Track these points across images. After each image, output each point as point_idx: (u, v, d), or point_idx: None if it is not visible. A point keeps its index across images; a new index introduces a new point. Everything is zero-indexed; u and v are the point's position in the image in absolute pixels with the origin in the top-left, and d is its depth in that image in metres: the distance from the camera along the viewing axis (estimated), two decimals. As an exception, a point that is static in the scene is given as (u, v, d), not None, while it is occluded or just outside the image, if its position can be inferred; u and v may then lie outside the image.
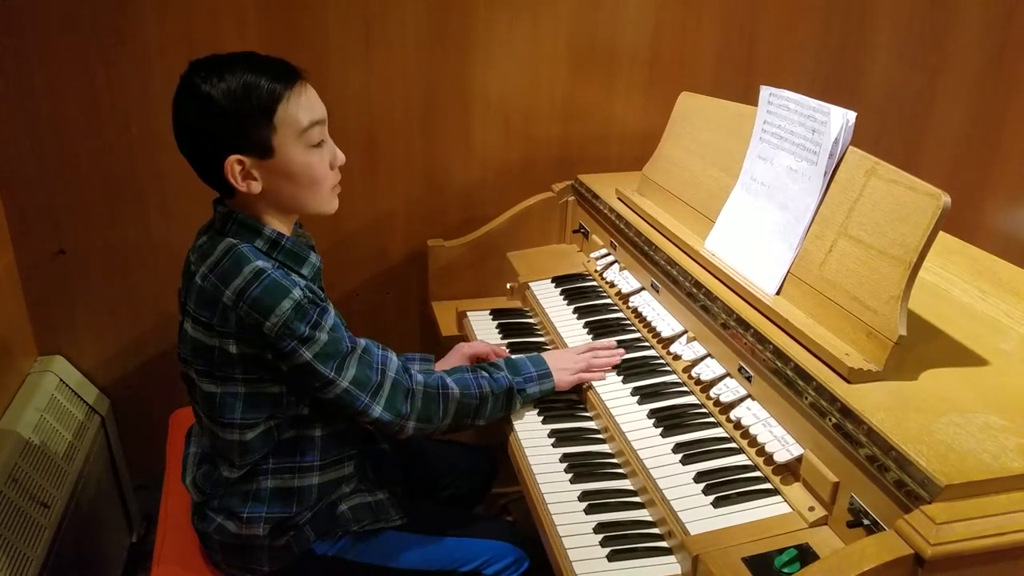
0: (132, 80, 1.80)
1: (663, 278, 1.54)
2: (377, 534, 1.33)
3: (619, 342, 1.53)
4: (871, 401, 1.04)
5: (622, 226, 1.71)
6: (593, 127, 2.12)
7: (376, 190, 2.05)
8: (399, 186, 2.06)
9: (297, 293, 1.14)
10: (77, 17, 1.73)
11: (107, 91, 1.80)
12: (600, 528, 1.16)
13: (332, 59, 1.89)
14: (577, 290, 1.77)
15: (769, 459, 1.16)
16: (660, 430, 1.30)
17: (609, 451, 1.34)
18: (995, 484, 0.91)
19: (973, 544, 0.87)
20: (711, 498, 1.14)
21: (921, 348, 1.17)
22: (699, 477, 1.18)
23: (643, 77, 2.10)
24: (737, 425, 1.25)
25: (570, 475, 1.28)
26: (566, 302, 1.73)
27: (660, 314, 1.54)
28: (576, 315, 1.67)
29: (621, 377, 1.44)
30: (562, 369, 1.43)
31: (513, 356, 1.49)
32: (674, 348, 1.45)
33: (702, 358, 1.39)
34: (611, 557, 1.11)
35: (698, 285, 1.41)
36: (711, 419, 1.31)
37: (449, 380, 1.33)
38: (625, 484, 1.26)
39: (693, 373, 1.37)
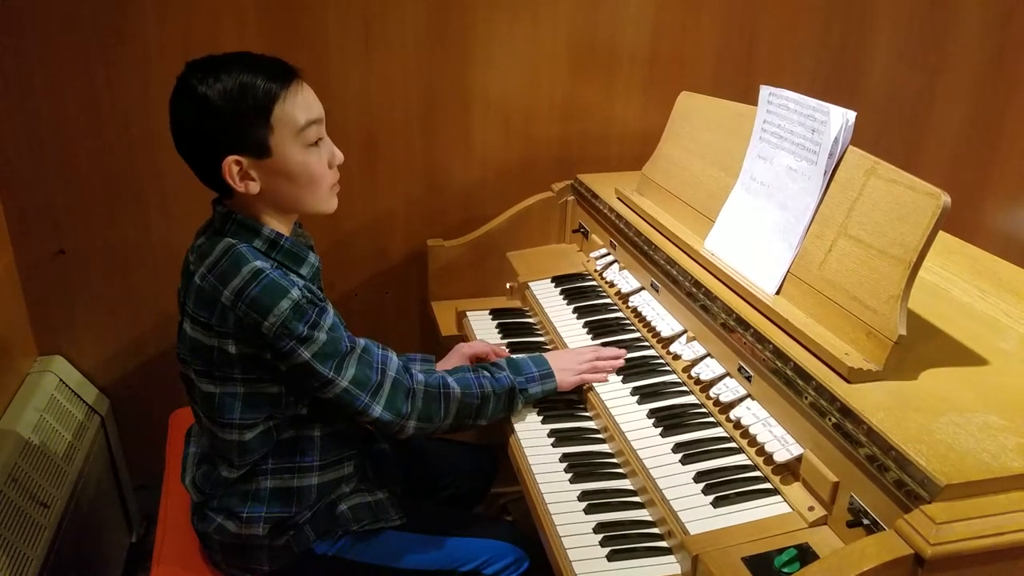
0: (132, 80, 1.80)
1: (663, 278, 1.54)
2: (377, 534, 1.33)
3: (619, 342, 1.53)
4: (871, 401, 1.04)
5: (622, 226, 1.71)
6: (593, 127, 2.12)
7: (376, 190, 2.05)
8: (399, 186, 2.06)
9: (295, 293, 1.14)
10: (77, 17, 1.73)
11: (107, 91, 1.80)
12: (600, 528, 1.16)
13: (332, 59, 1.89)
14: (577, 290, 1.77)
15: (769, 459, 1.16)
16: (660, 430, 1.30)
17: (609, 451, 1.34)
18: (995, 484, 0.91)
19: (973, 544, 0.87)
20: (711, 498, 1.14)
21: (921, 348, 1.16)
22: (699, 477, 1.18)
23: (643, 77, 2.10)
24: (737, 425, 1.25)
25: (570, 475, 1.28)
26: (566, 302, 1.73)
27: (660, 314, 1.54)
28: (576, 315, 1.67)
29: (621, 377, 1.44)
30: (564, 369, 1.43)
31: (515, 356, 1.48)
32: (674, 348, 1.45)
33: (702, 358, 1.39)
34: (611, 557, 1.11)
35: (698, 285, 1.41)
36: (711, 419, 1.31)
37: (450, 380, 1.32)
38: (625, 484, 1.26)
39: (693, 373, 1.37)
